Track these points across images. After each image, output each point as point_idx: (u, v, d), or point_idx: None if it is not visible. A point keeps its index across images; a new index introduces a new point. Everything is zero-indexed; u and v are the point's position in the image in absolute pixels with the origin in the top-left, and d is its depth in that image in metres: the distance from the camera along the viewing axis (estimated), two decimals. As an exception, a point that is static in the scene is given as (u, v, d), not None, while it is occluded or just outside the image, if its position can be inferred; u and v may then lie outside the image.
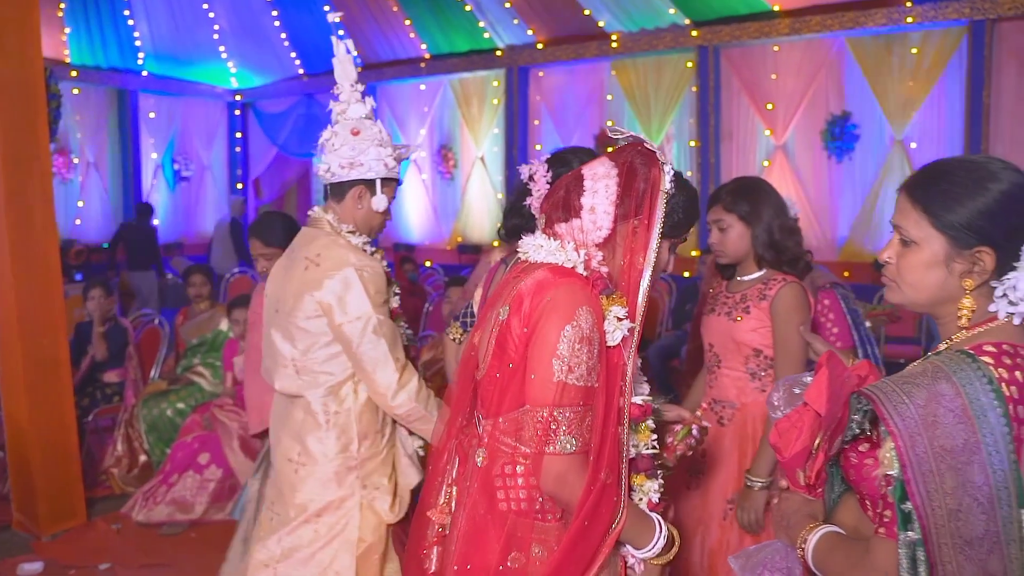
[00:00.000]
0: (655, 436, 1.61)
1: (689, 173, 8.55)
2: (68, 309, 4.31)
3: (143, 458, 4.66)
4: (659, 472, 1.63)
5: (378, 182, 2.30)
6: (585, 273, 1.51)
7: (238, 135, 13.18)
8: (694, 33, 8.47)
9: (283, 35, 11.26)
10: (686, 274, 7.74)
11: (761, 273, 2.42)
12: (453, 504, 1.62)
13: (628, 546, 1.54)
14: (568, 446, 1.43)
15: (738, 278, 2.48)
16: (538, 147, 9.98)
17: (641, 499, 1.58)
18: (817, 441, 1.35)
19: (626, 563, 1.57)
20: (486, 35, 9.86)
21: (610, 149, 1.69)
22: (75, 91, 10.72)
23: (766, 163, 8.45)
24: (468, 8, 9.51)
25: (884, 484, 1.17)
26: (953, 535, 1.10)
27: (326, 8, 9.88)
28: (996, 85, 7.14)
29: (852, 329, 2.84)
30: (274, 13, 10.87)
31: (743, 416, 2.41)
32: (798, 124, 8.28)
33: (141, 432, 4.65)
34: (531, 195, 1.83)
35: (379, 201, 2.31)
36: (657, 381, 1.71)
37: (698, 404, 2.56)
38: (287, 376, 2.28)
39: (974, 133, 7.16)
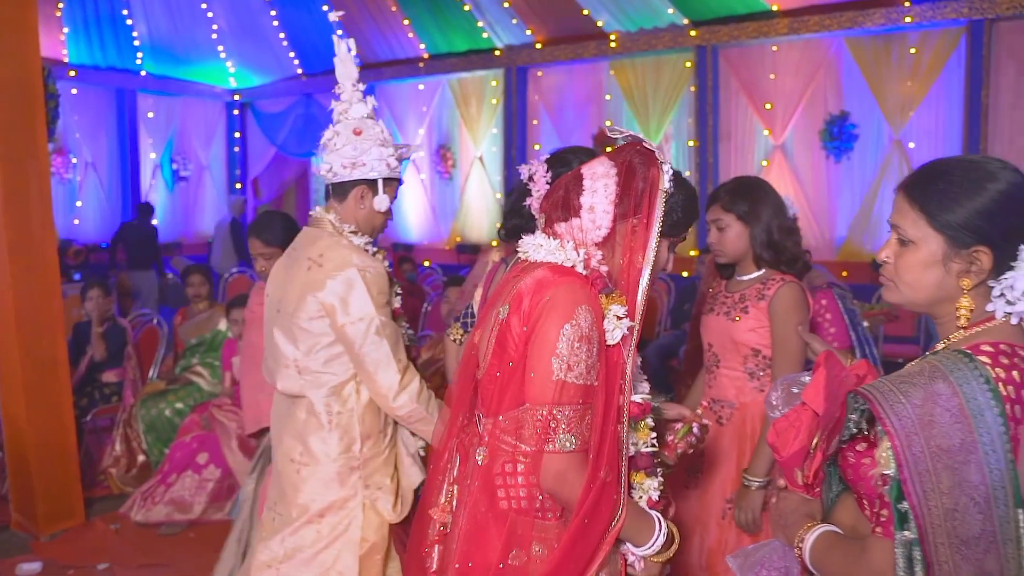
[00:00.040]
0: (654, 434, 1.62)
1: (687, 173, 8.55)
2: (66, 309, 4.31)
3: (141, 458, 4.65)
4: (659, 470, 1.64)
5: (380, 182, 2.29)
6: (584, 272, 1.52)
7: (237, 135, 13.17)
8: (692, 33, 8.47)
9: (282, 35, 11.25)
10: (684, 274, 7.74)
11: (760, 273, 2.42)
12: (454, 503, 1.63)
13: (628, 544, 1.55)
14: (568, 444, 1.44)
15: (737, 278, 2.48)
16: (537, 147, 9.97)
17: (641, 497, 1.59)
18: (815, 440, 1.35)
19: (626, 561, 1.57)
20: (485, 35, 9.86)
21: (609, 149, 1.69)
22: (73, 91, 10.70)
23: (764, 163, 8.46)
24: (467, 8, 9.50)
25: (880, 483, 1.17)
26: (949, 534, 1.10)
27: (325, 8, 9.89)
28: (994, 85, 7.14)
29: (849, 329, 2.84)
30: (273, 13, 10.86)
31: (742, 416, 2.42)
32: (796, 124, 8.28)
33: (140, 432, 4.65)
34: (531, 196, 1.84)
35: (381, 201, 2.30)
36: (655, 381, 1.71)
37: (698, 403, 2.56)
38: (289, 376, 2.28)
39: (972, 133, 7.16)
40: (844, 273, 7.66)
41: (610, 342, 1.48)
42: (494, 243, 6.67)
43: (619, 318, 1.49)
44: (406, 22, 10.17)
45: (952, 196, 1.21)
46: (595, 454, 1.45)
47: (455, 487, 1.64)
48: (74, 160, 11.01)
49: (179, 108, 12.30)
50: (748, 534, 2.31)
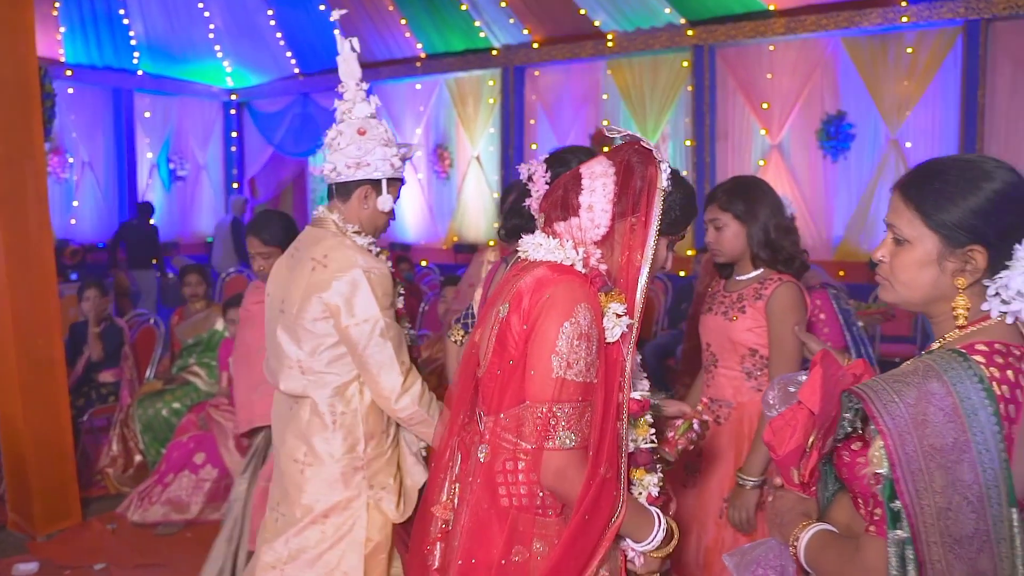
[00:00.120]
0: (653, 430, 1.63)
1: (685, 172, 8.54)
2: (63, 309, 4.30)
3: (138, 458, 4.65)
4: (658, 466, 1.65)
5: (384, 182, 2.29)
6: (584, 271, 1.53)
7: (234, 134, 13.16)
8: (690, 32, 8.48)
9: (279, 34, 11.23)
10: (682, 273, 7.75)
11: (758, 272, 2.42)
12: (456, 500, 1.64)
13: (628, 540, 1.56)
14: (567, 441, 1.45)
15: (735, 277, 2.48)
16: (534, 146, 9.98)
17: (640, 493, 1.60)
18: (811, 439, 1.35)
19: (626, 556, 1.59)
20: (482, 34, 9.86)
21: (606, 148, 1.69)
22: (70, 90, 10.68)
23: (761, 162, 8.47)
24: (464, 7, 9.50)
25: (873, 482, 1.17)
26: (942, 533, 1.10)
27: (322, 7, 9.88)
28: (991, 85, 7.16)
29: (844, 329, 2.83)
30: (269, 12, 10.85)
31: (739, 415, 2.42)
32: (793, 123, 8.29)
33: (136, 432, 4.64)
34: (531, 196, 1.84)
35: (385, 201, 2.30)
36: (653, 380, 1.72)
37: (698, 402, 2.56)
38: (292, 376, 2.27)
39: (969, 132, 7.18)
40: (841, 273, 7.67)
41: (609, 340, 1.50)
42: (491, 243, 6.68)
43: (618, 316, 1.50)
44: (403, 21, 10.16)
45: (947, 195, 1.21)
46: (595, 451, 1.46)
47: (456, 485, 1.65)
48: (71, 160, 11.00)
49: (176, 108, 12.29)
50: (742, 533, 2.32)
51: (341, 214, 2.31)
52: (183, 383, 4.82)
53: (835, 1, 7.64)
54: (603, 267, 1.55)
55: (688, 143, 8.82)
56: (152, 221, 9.42)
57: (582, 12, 8.87)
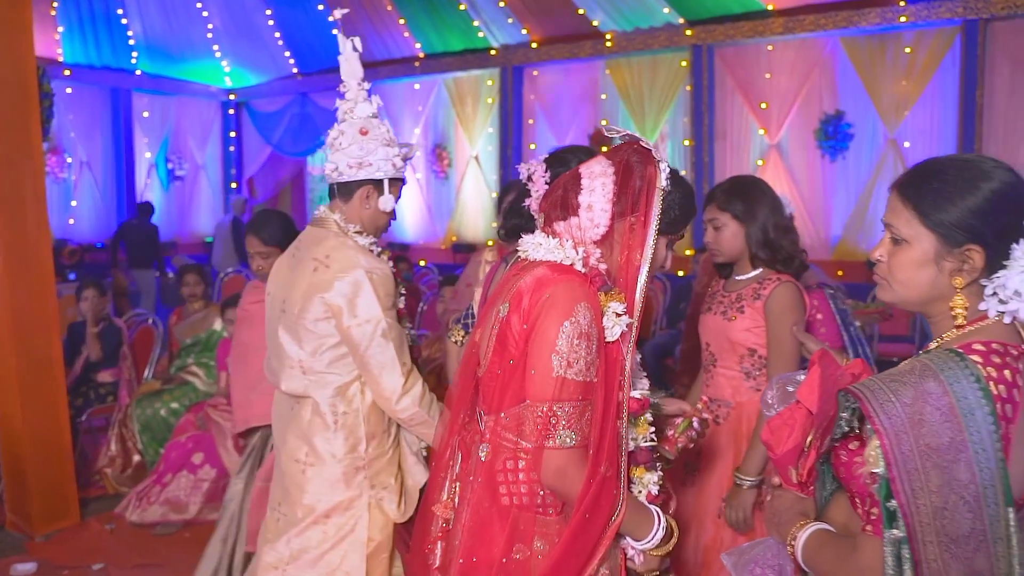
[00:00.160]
0: (653, 429, 1.64)
1: (683, 172, 8.38)
2: (61, 309, 4.30)
3: (137, 458, 4.64)
4: (658, 465, 1.65)
5: (386, 182, 2.29)
6: (584, 270, 1.54)
7: (232, 134, 13.16)
8: (688, 32, 8.48)
9: (277, 34, 11.23)
10: (680, 273, 7.76)
11: (757, 272, 2.42)
12: (456, 499, 1.64)
13: (628, 538, 1.56)
14: (568, 440, 1.46)
15: (735, 277, 2.48)
16: (532, 146, 9.99)
17: (640, 491, 1.61)
18: (809, 439, 1.35)
19: (625, 555, 1.59)
20: (480, 34, 9.86)
21: (605, 148, 1.69)
22: (68, 90, 10.68)
23: (760, 162, 8.47)
24: (462, 7, 9.50)
25: (870, 481, 1.17)
26: (939, 533, 1.10)
27: (320, 7, 9.88)
28: (989, 84, 7.17)
29: (842, 329, 2.83)
30: (268, 12, 10.84)
31: (738, 415, 2.42)
32: (792, 123, 8.30)
33: (135, 432, 4.64)
34: (531, 195, 1.84)
35: (387, 201, 2.29)
36: (651, 380, 1.72)
37: (698, 401, 2.56)
38: (294, 376, 2.27)
39: (967, 132, 7.19)
40: (839, 272, 7.68)
41: (609, 339, 1.50)
42: (490, 243, 6.67)
43: (618, 315, 1.50)
44: (402, 21, 10.16)
45: (945, 195, 1.21)
46: (595, 450, 1.46)
47: (457, 484, 1.65)
48: (69, 160, 11.00)
49: (174, 107, 12.28)
50: (739, 533, 2.32)
51: (343, 214, 2.30)
52: (181, 383, 4.81)
53: (833, 1, 7.65)
54: (603, 266, 1.56)
55: (687, 143, 8.83)
56: (152, 221, 9.42)
57: (581, 12, 8.88)
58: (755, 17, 8.10)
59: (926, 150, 7.43)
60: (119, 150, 11.44)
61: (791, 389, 1.47)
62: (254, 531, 2.82)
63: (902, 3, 7.29)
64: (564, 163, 2.04)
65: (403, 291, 2.38)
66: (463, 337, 2.59)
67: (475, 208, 10.69)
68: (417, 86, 11.00)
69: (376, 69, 10.70)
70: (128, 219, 10.17)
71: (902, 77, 7.58)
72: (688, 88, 8.72)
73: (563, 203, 1.58)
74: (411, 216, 11.22)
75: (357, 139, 2.24)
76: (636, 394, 1.58)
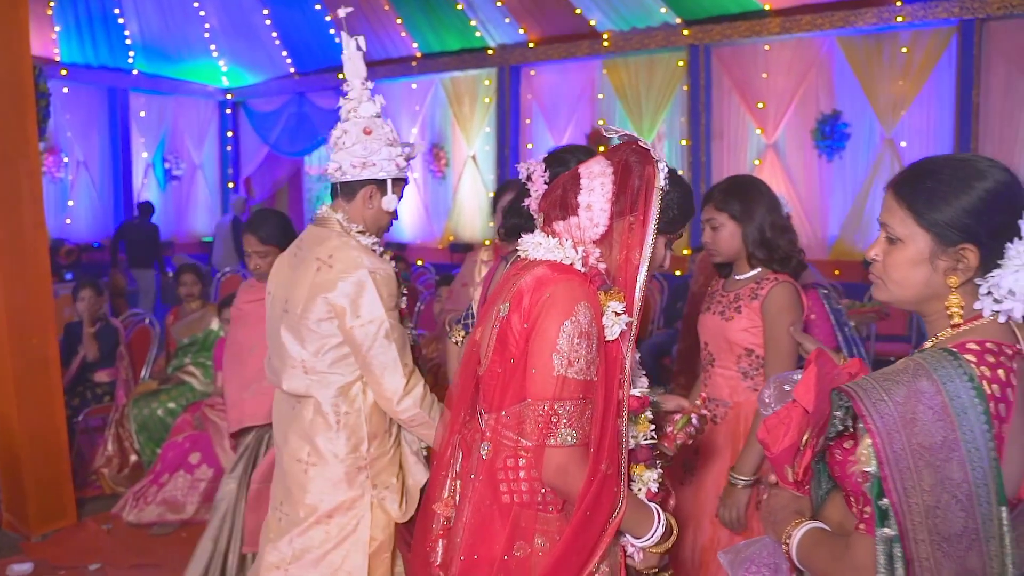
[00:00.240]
0: (653, 427, 1.64)
1: (680, 172, 8.53)
2: (58, 309, 4.29)
3: (134, 458, 4.64)
4: (658, 462, 1.66)
5: (389, 182, 2.28)
6: (583, 269, 1.55)
7: (229, 134, 13.15)
8: (685, 32, 8.49)
9: (274, 34, 11.22)
10: (677, 272, 7.77)
11: (755, 272, 2.42)
12: (457, 497, 1.65)
13: (627, 535, 1.57)
14: (569, 438, 1.47)
15: (733, 277, 2.48)
16: (529, 146, 9.99)
17: (640, 489, 1.61)
18: (805, 437, 1.35)
19: (625, 552, 1.60)
20: (477, 34, 9.86)
21: (602, 148, 1.70)
22: (65, 90, 10.67)
23: (757, 162, 8.48)
24: (459, 7, 9.50)
25: (862, 480, 1.17)
26: (931, 531, 1.10)
27: (318, 7, 9.87)
28: (985, 84, 7.18)
29: (836, 329, 2.84)
30: (265, 11, 10.83)
31: (736, 415, 2.42)
32: (789, 123, 8.31)
33: (132, 432, 4.64)
34: (530, 195, 1.85)
35: (390, 201, 2.29)
36: (649, 379, 1.73)
37: (697, 399, 2.56)
38: (296, 376, 2.26)
39: (963, 132, 7.20)
40: (836, 272, 7.69)
41: (609, 338, 1.51)
42: (486, 242, 6.67)
43: (617, 314, 1.51)
44: (399, 21, 10.16)
45: (940, 194, 1.21)
46: (595, 448, 1.47)
47: (458, 482, 1.66)
48: (66, 159, 10.98)
49: (171, 107, 12.27)
50: (734, 532, 2.32)
51: (345, 213, 2.29)
52: (178, 383, 4.81)
53: (830, 1, 7.66)
54: (602, 266, 1.57)
55: (684, 142, 8.84)
56: (152, 220, 9.42)
57: (578, 12, 8.88)
58: (752, 17, 8.11)
59: (922, 150, 7.44)
60: (116, 150, 11.43)
61: (788, 388, 1.47)
62: (252, 532, 2.82)
63: (899, 3, 7.30)
64: (563, 163, 2.04)
65: (405, 291, 2.38)
66: (463, 337, 2.59)
67: (472, 208, 10.69)
68: (414, 86, 11.00)
69: (373, 69, 10.63)
70: (128, 219, 10.16)
71: (899, 77, 7.59)
72: (685, 88, 8.73)
73: (562, 203, 1.59)
74: (408, 216, 11.22)
75: (361, 138, 2.24)
76: (636, 392, 1.59)
